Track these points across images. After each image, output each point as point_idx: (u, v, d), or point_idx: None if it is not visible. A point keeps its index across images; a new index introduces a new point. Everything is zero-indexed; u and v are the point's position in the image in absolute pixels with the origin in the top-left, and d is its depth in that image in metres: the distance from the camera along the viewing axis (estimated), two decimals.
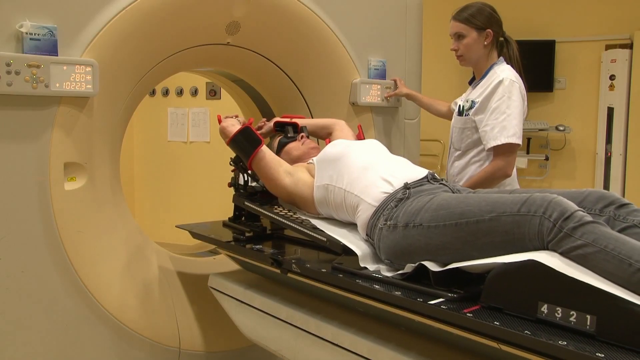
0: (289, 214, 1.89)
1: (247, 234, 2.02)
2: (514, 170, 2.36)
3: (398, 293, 1.36)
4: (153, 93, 5.13)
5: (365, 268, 1.54)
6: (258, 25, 2.33)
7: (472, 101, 2.32)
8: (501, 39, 2.35)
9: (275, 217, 1.89)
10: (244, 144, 1.92)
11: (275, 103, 2.83)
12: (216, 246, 2.12)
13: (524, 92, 2.29)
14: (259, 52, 2.45)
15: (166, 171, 5.13)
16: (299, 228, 1.78)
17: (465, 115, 2.34)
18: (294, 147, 2.13)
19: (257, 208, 1.99)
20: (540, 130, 4.48)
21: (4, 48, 1.74)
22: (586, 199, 1.39)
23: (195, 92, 5.08)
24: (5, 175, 1.78)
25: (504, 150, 2.21)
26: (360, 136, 2.23)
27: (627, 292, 1.08)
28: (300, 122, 2.26)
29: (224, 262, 2.37)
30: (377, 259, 1.60)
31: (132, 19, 1.97)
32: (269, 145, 2.16)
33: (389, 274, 1.48)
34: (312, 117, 2.61)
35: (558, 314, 1.12)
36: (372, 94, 2.67)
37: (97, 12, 1.91)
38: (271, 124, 2.27)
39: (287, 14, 2.35)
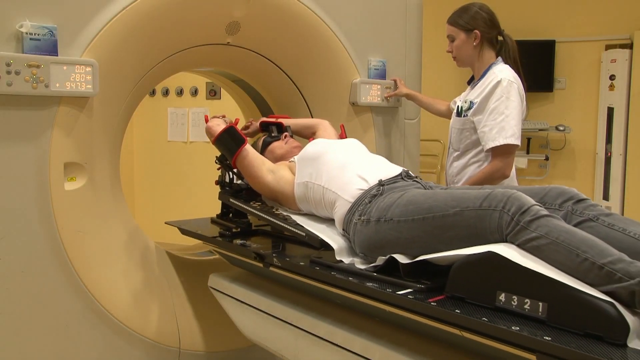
0: (271, 210, 1.95)
1: (233, 230, 2.08)
2: (513, 170, 2.36)
3: (370, 284, 1.43)
4: (153, 93, 5.13)
5: (341, 261, 1.61)
6: (258, 25, 2.33)
7: (470, 102, 2.32)
8: (500, 38, 2.35)
9: (257, 212, 1.97)
10: (229, 143, 1.99)
11: (275, 103, 2.83)
12: (203, 241, 2.16)
13: (523, 92, 2.29)
14: (259, 52, 2.45)
15: (166, 171, 5.13)
16: (280, 223, 1.86)
17: (464, 115, 2.34)
18: (278, 146, 2.20)
19: (240, 204, 2.05)
20: (540, 130, 4.48)
21: (4, 48, 1.74)
22: (547, 195, 1.47)
23: (195, 92, 5.08)
24: (5, 175, 1.78)
25: (503, 151, 2.21)
26: (342, 136, 2.29)
27: (575, 280, 1.16)
28: (285, 122, 2.32)
29: (224, 262, 2.37)
30: (352, 252, 1.67)
31: (132, 19, 1.97)
32: (254, 145, 2.24)
33: (362, 267, 1.55)
34: (312, 117, 2.62)
35: (514, 302, 1.20)
36: (372, 94, 2.67)
37: (97, 12, 1.91)
38: (257, 123, 2.35)
39: (287, 14, 2.35)
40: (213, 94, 5.00)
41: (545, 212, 1.26)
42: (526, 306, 1.18)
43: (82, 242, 1.97)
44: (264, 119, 2.39)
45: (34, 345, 1.90)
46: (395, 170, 1.79)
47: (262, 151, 2.21)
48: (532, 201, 1.28)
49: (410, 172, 1.82)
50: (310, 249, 1.75)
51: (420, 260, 1.42)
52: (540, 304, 1.16)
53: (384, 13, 2.71)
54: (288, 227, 1.83)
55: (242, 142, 1.97)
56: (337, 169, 1.80)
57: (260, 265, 1.82)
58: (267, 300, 1.86)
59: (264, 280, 2.01)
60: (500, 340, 1.16)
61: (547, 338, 1.08)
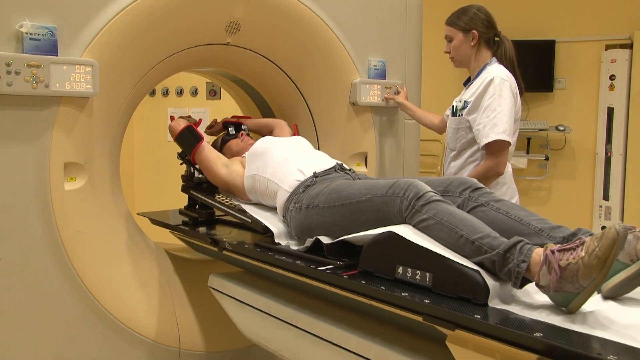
0: (225, 200, 2.21)
1: (199, 219, 2.34)
2: (510, 169, 2.37)
3: (299, 262, 1.66)
4: (153, 93, 5.13)
5: (279, 244, 1.84)
6: (258, 25, 2.33)
7: (465, 101, 2.34)
8: (497, 39, 2.37)
9: (212, 202, 2.24)
10: (189, 140, 2.26)
11: (275, 103, 2.83)
12: (169, 230, 2.39)
13: (516, 90, 2.30)
14: (259, 52, 2.45)
15: (166, 171, 5.12)
16: (231, 211, 2.13)
17: (459, 115, 2.36)
18: (234, 143, 2.45)
19: (199, 195, 2.33)
20: (540, 130, 4.48)
21: (4, 48, 1.74)
22: (451, 184, 1.68)
23: (195, 92, 5.08)
24: (5, 175, 1.78)
25: (495, 149, 2.22)
26: (296, 134, 2.51)
27: (453, 253, 1.37)
28: (245, 122, 2.60)
29: (224, 262, 2.37)
30: (290, 236, 1.89)
31: (132, 19, 1.97)
32: (215, 142, 2.54)
33: (296, 248, 1.78)
34: (312, 117, 2.64)
35: (408, 273, 1.41)
36: (372, 94, 2.67)
37: (97, 12, 1.91)
38: (220, 123, 2.64)
39: (287, 14, 2.35)
40: (213, 94, 5.01)
41: (437, 197, 1.47)
42: (417, 276, 1.39)
43: (82, 242, 1.97)
44: (227, 118, 2.66)
45: (34, 345, 1.90)
46: (330, 163, 2.02)
47: (221, 148, 2.47)
48: (428, 188, 1.50)
49: (344, 165, 2.05)
50: (262, 235, 1.98)
51: (341, 240, 1.65)
52: (428, 274, 1.37)
53: (384, 13, 2.71)
54: (237, 214, 2.09)
55: (199, 139, 2.24)
56: (279, 163, 2.03)
57: (215, 249, 2.04)
58: (267, 300, 1.86)
59: (264, 280, 2.01)
60: (395, 305, 1.37)
61: (426, 301, 1.29)
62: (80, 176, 1.98)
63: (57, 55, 1.82)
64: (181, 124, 2.30)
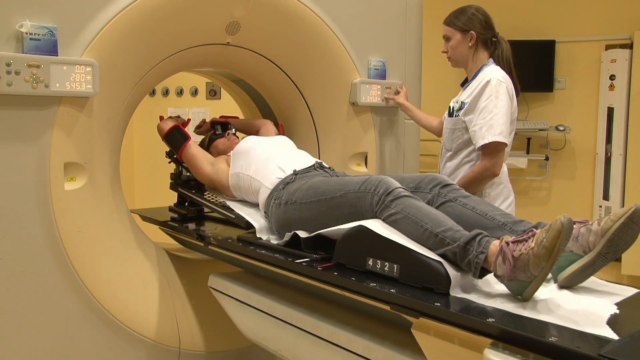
0: (212, 197, 2.32)
1: (189, 216, 2.43)
2: (505, 168, 2.37)
3: (277, 255, 1.74)
4: (153, 93, 5.13)
5: (261, 238, 1.93)
6: (258, 25, 2.33)
7: (461, 102, 2.35)
8: (494, 39, 2.37)
9: (198, 199, 2.34)
10: (176, 139, 2.36)
11: (275, 103, 2.83)
12: (159, 226, 2.48)
13: (513, 92, 2.30)
14: (259, 52, 2.46)
15: (166, 171, 5.12)
16: (216, 208, 2.23)
17: (456, 116, 2.36)
18: (221, 142, 2.55)
19: (186, 192, 2.44)
20: (540, 130, 4.47)
21: (4, 48, 1.74)
22: (422, 181, 1.76)
23: (195, 92, 5.07)
24: (5, 175, 1.78)
25: (491, 150, 2.23)
26: (280, 134, 2.58)
27: (419, 246, 1.44)
28: (232, 121, 2.70)
29: (224, 262, 2.37)
30: (271, 231, 1.97)
31: (132, 19, 1.97)
32: (202, 141, 2.64)
33: (275, 242, 1.87)
34: (312, 117, 2.65)
35: (378, 265, 1.49)
36: (372, 94, 2.67)
37: (97, 12, 1.91)
38: (209, 123, 2.74)
39: (287, 14, 2.35)
40: (213, 94, 5.00)
41: (405, 193, 1.55)
42: (386, 268, 1.47)
43: (82, 242, 1.97)
44: (215, 118, 2.75)
45: (34, 345, 1.90)
46: (309, 162, 2.10)
47: (208, 146, 2.56)
48: (397, 184, 1.57)
49: (323, 163, 2.13)
50: (246, 231, 2.05)
51: (317, 234, 1.72)
52: (395, 265, 1.45)
53: (384, 13, 2.71)
54: (222, 210, 2.19)
55: (186, 138, 2.34)
56: (262, 161, 2.11)
57: (202, 244, 2.12)
58: (268, 300, 1.86)
59: (264, 280, 2.01)
60: (365, 295, 1.44)
61: (392, 291, 1.36)
62: (80, 176, 1.98)
63: (57, 55, 1.82)
64: (169, 124, 2.40)
